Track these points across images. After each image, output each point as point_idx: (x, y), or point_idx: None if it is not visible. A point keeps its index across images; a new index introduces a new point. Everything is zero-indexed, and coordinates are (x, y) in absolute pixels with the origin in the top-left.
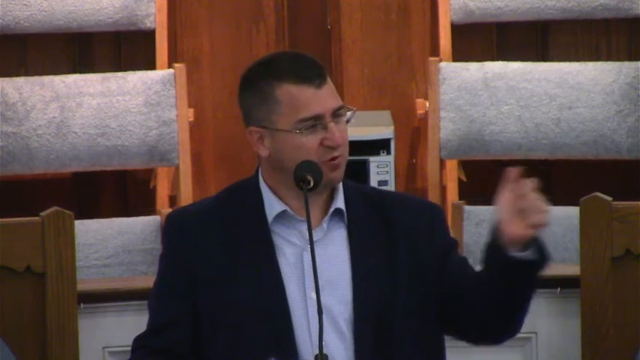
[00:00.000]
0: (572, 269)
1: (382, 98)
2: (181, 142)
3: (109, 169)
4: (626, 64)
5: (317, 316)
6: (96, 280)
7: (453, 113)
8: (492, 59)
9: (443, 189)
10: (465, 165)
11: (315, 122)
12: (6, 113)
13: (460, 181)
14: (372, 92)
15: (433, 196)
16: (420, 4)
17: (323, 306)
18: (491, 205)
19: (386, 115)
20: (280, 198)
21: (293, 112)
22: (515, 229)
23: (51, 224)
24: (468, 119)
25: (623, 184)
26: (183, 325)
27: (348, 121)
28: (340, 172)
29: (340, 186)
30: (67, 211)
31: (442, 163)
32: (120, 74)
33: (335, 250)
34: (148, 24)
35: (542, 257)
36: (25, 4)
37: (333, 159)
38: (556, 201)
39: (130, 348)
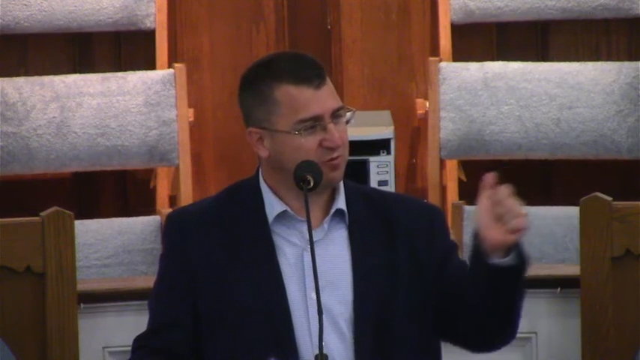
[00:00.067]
0: (572, 269)
1: (382, 98)
2: (181, 142)
3: (109, 169)
4: (626, 64)
5: (317, 317)
6: (96, 280)
7: (453, 113)
8: (492, 59)
9: (443, 189)
10: (465, 165)
11: (315, 123)
12: (6, 113)
13: (460, 181)
14: (372, 92)
15: (433, 196)
16: (420, 4)
17: (323, 306)
18: None
19: (386, 115)
20: (281, 198)
21: (292, 113)
22: (494, 235)
23: (51, 224)
24: (468, 119)
25: (623, 184)
26: (184, 325)
27: (347, 122)
28: (340, 173)
29: (341, 186)
30: (67, 211)
31: (442, 163)
32: (120, 74)
33: (336, 251)
34: (148, 24)
35: (523, 262)
36: (25, 4)
37: (332, 159)
38: (556, 201)
39: (130, 348)
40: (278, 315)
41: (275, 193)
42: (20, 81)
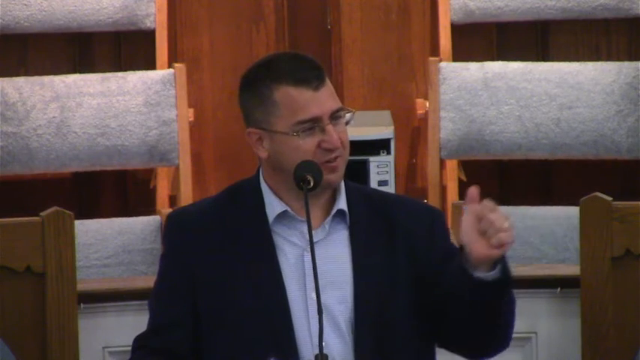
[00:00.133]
0: (572, 269)
1: (382, 98)
2: (181, 142)
3: (109, 169)
4: (626, 64)
5: (317, 317)
6: (96, 280)
7: (453, 113)
8: (492, 59)
9: (443, 189)
10: (465, 165)
11: (313, 124)
12: (6, 113)
13: (460, 181)
14: (372, 92)
15: (433, 196)
16: (420, 4)
17: (323, 306)
18: None
19: (386, 115)
20: (281, 198)
21: (291, 114)
22: (479, 249)
23: (51, 224)
24: (468, 119)
25: (623, 184)
26: (184, 325)
27: (347, 123)
28: (338, 174)
29: (342, 187)
30: (67, 211)
31: (442, 163)
32: (120, 74)
33: (336, 251)
34: (148, 24)
35: (506, 276)
36: (25, 4)
37: (331, 161)
38: (556, 201)
39: (130, 348)
40: (278, 315)
41: (275, 193)
42: (20, 81)
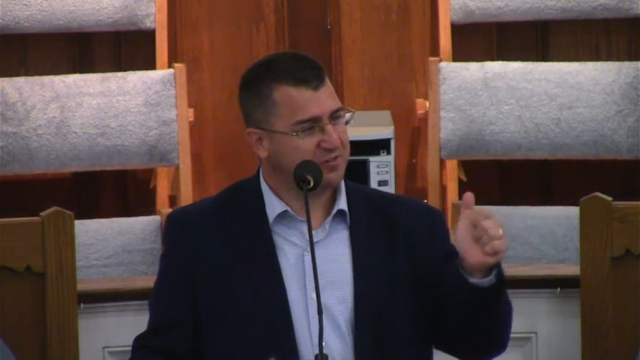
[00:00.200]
0: (572, 269)
1: (382, 98)
2: (181, 142)
3: (109, 169)
4: (626, 64)
5: (317, 317)
6: (96, 280)
7: (453, 113)
8: (492, 59)
9: (443, 189)
10: (465, 165)
11: (313, 124)
12: (6, 113)
13: (460, 181)
14: (372, 92)
15: (433, 196)
16: (420, 4)
17: (324, 306)
18: (491, 205)
19: (386, 115)
20: (281, 198)
21: (290, 114)
22: (474, 256)
23: (51, 224)
24: (468, 119)
25: (623, 184)
26: (184, 325)
27: (347, 123)
28: (338, 174)
29: (343, 187)
30: (67, 211)
31: (442, 163)
32: (120, 74)
33: (336, 251)
34: (148, 24)
35: (501, 282)
36: (25, 4)
37: (330, 161)
38: (556, 201)
39: (130, 348)
40: (278, 315)
41: (275, 193)
42: (20, 81)
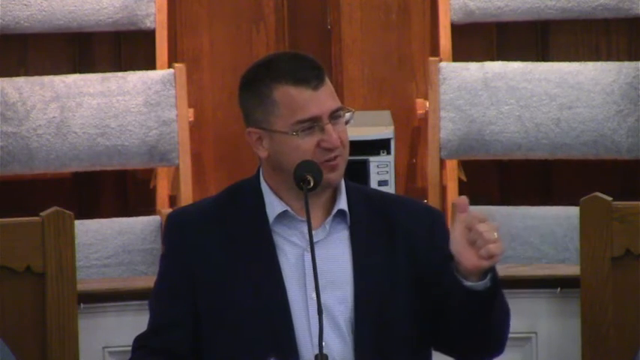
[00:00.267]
0: (572, 269)
1: (382, 98)
2: (181, 142)
3: (109, 169)
4: (626, 64)
5: (317, 317)
6: (96, 280)
7: (453, 113)
8: (492, 59)
9: (443, 189)
10: (465, 165)
11: (313, 124)
12: (6, 113)
13: (460, 181)
14: (372, 92)
15: (433, 196)
16: (420, 4)
17: (324, 306)
18: (491, 205)
19: (386, 115)
20: (281, 198)
21: (290, 113)
22: (469, 259)
23: (51, 224)
24: (468, 119)
25: (623, 184)
26: (184, 325)
27: (347, 123)
28: (338, 174)
29: (343, 187)
30: (67, 211)
31: (442, 163)
32: (120, 74)
33: (337, 251)
34: (148, 24)
35: (496, 285)
36: (25, 4)
37: (330, 160)
38: (556, 201)
39: (130, 348)
40: (278, 315)
41: (275, 193)
42: (20, 81)
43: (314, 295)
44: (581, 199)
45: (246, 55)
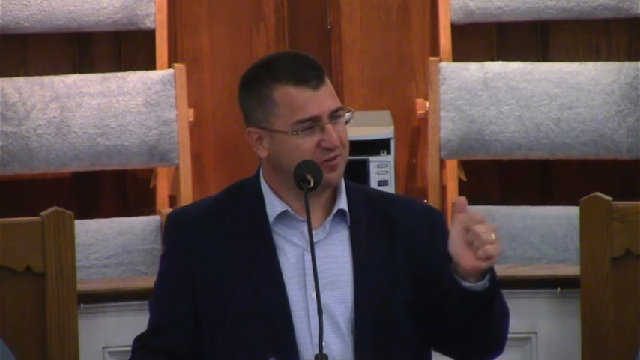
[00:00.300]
0: (572, 269)
1: (382, 98)
2: (181, 142)
3: (109, 169)
4: (626, 64)
5: (317, 316)
6: (96, 280)
7: (453, 113)
8: (492, 59)
9: (443, 189)
10: (465, 165)
11: (313, 124)
12: (6, 113)
13: (460, 181)
14: (372, 92)
15: (433, 196)
16: (420, 4)
17: (324, 306)
18: (491, 205)
19: (386, 115)
20: (281, 198)
21: (290, 113)
22: (467, 260)
23: (51, 224)
24: (468, 119)
25: (623, 184)
26: (184, 325)
27: (347, 122)
28: (338, 174)
29: (343, 187)
30: (67, 211)
31: (442, 163)
32: (120, 74)
33: (337, 251)
34: (148, 24)
35: (494, 285)
36: (25, 4)
37: (330, 160)
38: (556, 201)
39: (130, 348)
40: (278, 315)
41: (275, 193)
42: (20, 81)
43: (314, 295)
44: (581, 199)
45: (246, 55)
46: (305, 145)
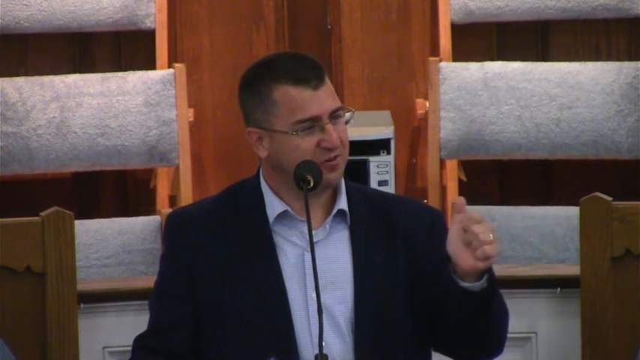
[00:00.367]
0: (572, 269)
1: (382, 98)
2: (181, 142)
3: (109, 169)
4: (626, 64)
5: (317, 316)
6: (96, 280)
7: (453, 113)
8: (492, 59)
9: (443, 189)
10: (465, 165)
11: (313, 124)
12: (6, 113)
13: (460, 181)
14: (372, 92)
15: (433, 196)
16: (420, 4)
17: (324, 306)
18: (491, 205)
19: (386, 115)
20: (281, 198)
21: (290, 113)
22: (465, 260)
23: (51, 224)
24: (468, 119)
25: (623, 184)
26: (184, 325)
27: (347, 122)
28: (338, 174)
29: (343, 187)
30: (67, 211)
31: (442, 163)
32: (120, 74)
33: (337, 251)
34: (148, 24)
35: (492, 285)
36: (25, 4)
37: (330, 160)
38: (556, 201)
39: (130, 348)
40: (278, 315)
41: (276, 193)
42: (20, 81)
43: (314, 294)
44: (581, 199)
45: (246, 55)
46: (305, 145)
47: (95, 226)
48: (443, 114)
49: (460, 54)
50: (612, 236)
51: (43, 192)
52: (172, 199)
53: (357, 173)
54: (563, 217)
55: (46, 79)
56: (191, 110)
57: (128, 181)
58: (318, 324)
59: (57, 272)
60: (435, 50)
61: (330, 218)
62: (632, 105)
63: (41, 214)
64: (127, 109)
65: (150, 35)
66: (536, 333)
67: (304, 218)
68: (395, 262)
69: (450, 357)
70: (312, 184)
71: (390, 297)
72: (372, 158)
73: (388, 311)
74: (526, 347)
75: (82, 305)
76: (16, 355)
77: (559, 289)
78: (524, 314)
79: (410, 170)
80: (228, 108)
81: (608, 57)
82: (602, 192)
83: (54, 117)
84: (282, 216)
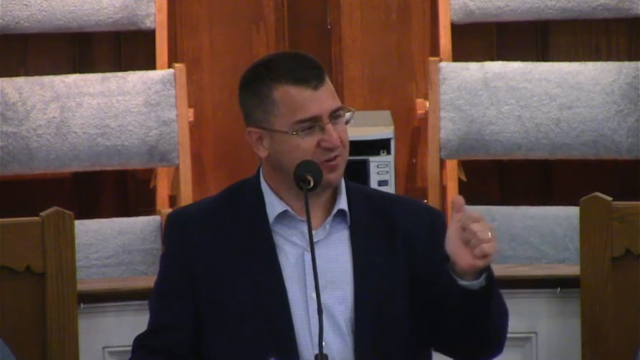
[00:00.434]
0: (572, 269)
1: (382, 98)
2: (181, 142)
3: (109, 169)
4: (626, 64)
5: (317, 316)
6: (96, 280)
7: (453, 113)
8: (492, 59)
9: (443, 189)
10: (465, 165)
11: (313, 124)
12: (6, 113)
13: (460, 181)
14: (372, 92)
15: (433, 196)
16: (420, 4)
17: (324, 306)
18: (491, 205)
19: (386, 115)
20: (281, 198)
21: (290, 113)
22: (463, 258)
23: (51, 224)
24: (468, 119)
25: (623, 184)
26: (184, 325)
27: (347, 122)
28: (338, 174)
29: (343, 187)
30: (67, 211)
31: (442, 163)
32: (120, 74)
33: (337, 251)
34: (148, 24)
35: (491, 284)
36: (25, 4)
37: (330, 160)
38: (556, 201)
39: (130, 348)
40: (278, 315)
41: (275, 193)
42: (20, 81)
43: (314, 294)
44: (581, 199)
45: (246, 55)
46: (305, 145)
47: (95, 226)
48: (443, 114)
49: (460, 54)
50: (612, 236)
51: (43, 192)
52: (172, 199)
53: (357, 173)
54: (563, 217)
55: (46, 79)
56: (191, 110)
57: (128, 181)
58: (318, 324)
59: (57, 272)
60: (435, 50)
61: (330, 218)
62: (632, 105)
63: (41, 214)
64: (127, 109)
65: (150, 35)
66: (536, 333)
67: (304, 218)
68: (395, 262)
69: (450, 357)
70: (312, 184)
71: (390, 297)
72: (372, 158)
73: (388, 311)
74: (526, 347)
75: (82, 305)
76: (16, 355)
77: (559, 289)
78: (524, 314)
79: (410, 170)
80: (228, 108)
81: (608, 57)
82: (602, 192)
83: (54, 117)
84: (282, 216)
